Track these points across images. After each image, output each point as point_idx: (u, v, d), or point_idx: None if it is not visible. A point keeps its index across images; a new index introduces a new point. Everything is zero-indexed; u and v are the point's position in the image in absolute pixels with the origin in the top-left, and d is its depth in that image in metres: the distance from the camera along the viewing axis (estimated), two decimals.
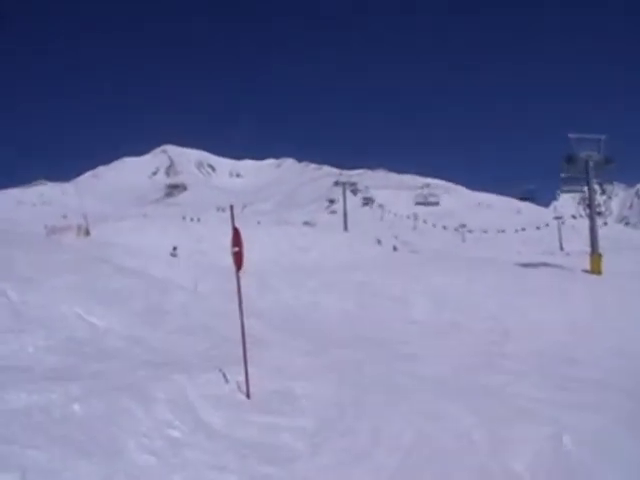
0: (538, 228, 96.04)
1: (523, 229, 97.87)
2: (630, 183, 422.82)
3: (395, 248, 46.47)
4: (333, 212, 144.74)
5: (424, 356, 12.38)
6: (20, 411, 5.65)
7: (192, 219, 75.76)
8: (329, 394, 8.25)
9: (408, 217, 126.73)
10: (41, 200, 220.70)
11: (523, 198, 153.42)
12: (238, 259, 7.98)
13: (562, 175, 36.44)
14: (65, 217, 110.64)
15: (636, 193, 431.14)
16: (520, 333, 15.35)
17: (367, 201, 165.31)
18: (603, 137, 33.93)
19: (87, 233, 37.82)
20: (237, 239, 7.97)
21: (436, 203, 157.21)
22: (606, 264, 30.31)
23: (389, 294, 19.81)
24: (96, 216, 71.24)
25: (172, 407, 6.56)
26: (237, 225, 8.12)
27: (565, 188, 37.67)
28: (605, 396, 9.53)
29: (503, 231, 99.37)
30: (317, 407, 7.72)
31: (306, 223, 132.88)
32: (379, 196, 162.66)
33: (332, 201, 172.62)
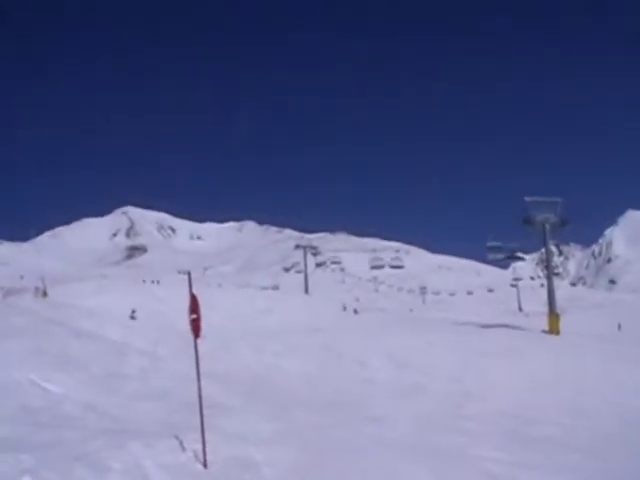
0: (502, 288, 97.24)
1: (489, 290, 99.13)
2: (586, 244, 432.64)
3: (356, 311, 46.44)
4: (294, 275, 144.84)
5: (387, 419, 12.28)
6: None
7: (153, 282, 75.14)
8: (291, 460, 8.08)
9: (369, 280, 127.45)
10: None
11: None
12: (196, 326, 7.89)
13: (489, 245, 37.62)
14: (22, 278, 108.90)
15: (592, 254, 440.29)
16: (481, 394, 15.37)
17: (328, 264, 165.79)
18: (559, 200, 34.78)
19: (44, 295, 37.19)
20: (195, 306, 7.88)
21: (400, 267, 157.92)
22: (564, 324, 30.74)
23: (351, 357, 19.72)
24: (55, 277, 70.24)
25: (127, 478, 6.35)
26: (196, 291, 8.05)
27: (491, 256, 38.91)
28: (565, 456, 9.57)
29: (463, 293, 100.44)
30: (278, 474, 7.54)
31: (265, 288, 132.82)
32: (340, 259, 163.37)
33: (293, 264, 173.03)
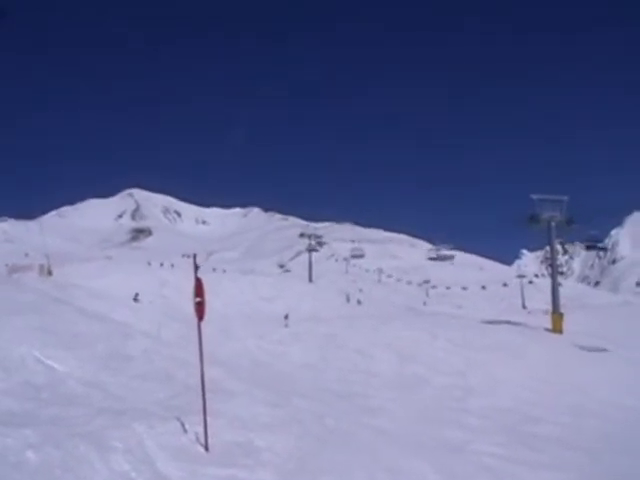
0: (506, 284, 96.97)
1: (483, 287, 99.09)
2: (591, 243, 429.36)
3: (359, 302, 46.42)
4: (297, 263, 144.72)
5: (387, 410, 12.30)
6: None
7: (162, 264, 75.42)
8: (291, 447, 8.11)
9: (373, 271, 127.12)
10: (3, 237, 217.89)
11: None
12: (200, 309, 7.91)
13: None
14: (27, 255, 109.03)
15: (597, 253, 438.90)
16: (483, 389, 15.38)
17: (332, 254, 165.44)
18: (565, 198, 34.58)
19: (49, 273, 37.30)
20: (199, 289, 7.90)
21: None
22: (567, 323, 30.66)
23: (353, 347, 19.75)
24: (60, 256, 70.15)
25: (129, 457, 6.38)
26: (200, 275, 8.06)
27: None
28: (565, 455, 9.58)
29: (467, 287, 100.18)
30: (278, 460, 7.57)
31: (281, 266, 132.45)
32: (344, 249, 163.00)
33: (297, 253, 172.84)
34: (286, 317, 25.46)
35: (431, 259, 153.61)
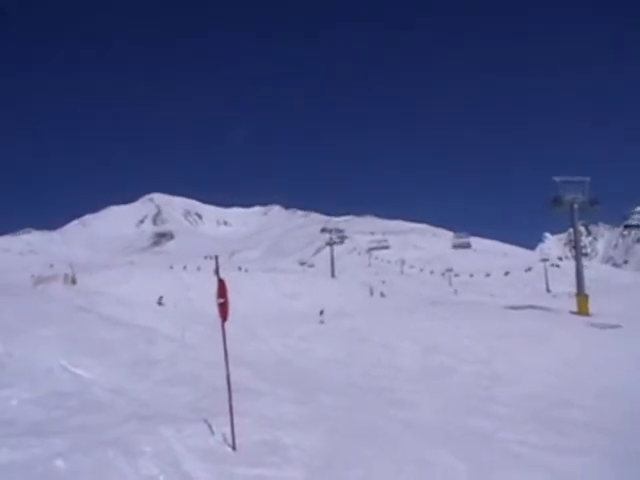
0: (530, 269, 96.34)
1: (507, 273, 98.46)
2: (615, 223, 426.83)
3: (382, 294, 46.33)
4: (320, 258, 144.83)
5: (414, 402, 12.28)
6: (1, 467, 5.55)
7: (185, 267, 75.86)
8: (318, 444, 8.14)
9: (395, 262, 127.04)
10: (28, 248, 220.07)
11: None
12: (224, 310, 7.94)
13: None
14: (52, 266, 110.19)
15: (621, 233, 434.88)
16: (509, 376, 15.30)
17: (354, 247, 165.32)
18: (588, 179, 34.31)
19: (74, 282, 37.66)
20: (222, 290, 7.93)
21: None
22: (592, 305, 30.42)
23: (378, 340, 19.72)
24: (83, 264, 70.86)
25: (158, 461, 6.45)
26: (223, 275, 8.10)
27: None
28: (594, 439, 9.51)
29: (490, 274, 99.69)
30: (306, 457, 7.60)
31: (302, 264, 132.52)
32: (366, 242, 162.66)
33: (319, 248, 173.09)
34: (321, 313, 25.46)
35: (454, 247, 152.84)
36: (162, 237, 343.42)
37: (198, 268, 73.38)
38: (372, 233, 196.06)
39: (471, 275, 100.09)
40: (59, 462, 5.81)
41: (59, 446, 6.14)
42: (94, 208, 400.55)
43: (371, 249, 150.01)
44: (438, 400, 12.65)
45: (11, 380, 8.41)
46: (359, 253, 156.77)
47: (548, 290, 75.18)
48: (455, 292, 63.09)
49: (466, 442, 9.02)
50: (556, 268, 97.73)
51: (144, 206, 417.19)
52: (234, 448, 7.39)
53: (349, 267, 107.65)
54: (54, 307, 15.50)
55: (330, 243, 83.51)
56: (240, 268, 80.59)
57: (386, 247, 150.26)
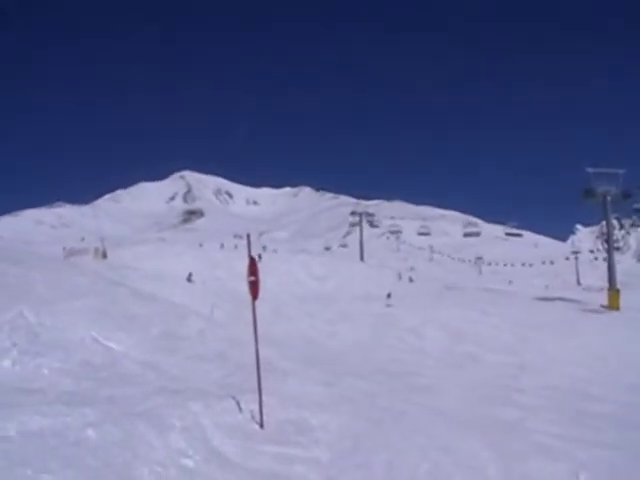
0: (562, 260, 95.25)
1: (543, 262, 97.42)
2: None
3: (411, 279, 46.22)
4: (349, 241, 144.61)
5: (439, 388, 12.27)
6: (34, 434, 5.63)
7: (222, 245, 76.16)
8: (344, 425, 8.16)
9: (423, 248, 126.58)
10: (60, 222, 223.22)
11: None
12: (254, 288, 7.95)
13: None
14: (83, 239, 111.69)
15: None
16: (536, 367, 15.21)
17: (383, 232, 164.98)
18: (622, 171, 33.62)
19: (104, 256, 38.11)
20: (253, 268, 7.94)
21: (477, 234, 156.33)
22: (624, 300, 30.01)
23: (405, 325, 19.72)
24: (113, 239, 71.61)
25: (186, 435, 6.51)
26: (253, 254, 8.11)
27: None
28: (620, 432, 9.42)
29: (520, 264, 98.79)
30: (332, 438, 7.62)
31: (327, 248, 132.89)
32: (395, 227, 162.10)
33: (348, 231, 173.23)
34: (389, 296, 25.15)
35: (506, 235, 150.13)
36: (192, 215, 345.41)
37: (235, 246, 73.54)
38: (401, 218, 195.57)
39: (502, 265, 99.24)
40: (90, 432, 5.87)
41: (90, 416, 6.21)
42: (125, 184, 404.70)
43: (421, 234, 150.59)
44: (465, 387, 12.62)
45: (43, 350, 8.50)
46: (388, 238, 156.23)
47: (579, 283, 74.32)
48: (479, 281, 62.71)
49: (491, 430, 8.99)
50: (587, 261, 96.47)
51: (175, 183, 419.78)
52: (262, 426, 7.44)
53: (377, 252, 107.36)
54: (85, 280, 15.63)
55: (359, 226, 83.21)
56: (264, 248, 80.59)
57: (427, 234, 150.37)
